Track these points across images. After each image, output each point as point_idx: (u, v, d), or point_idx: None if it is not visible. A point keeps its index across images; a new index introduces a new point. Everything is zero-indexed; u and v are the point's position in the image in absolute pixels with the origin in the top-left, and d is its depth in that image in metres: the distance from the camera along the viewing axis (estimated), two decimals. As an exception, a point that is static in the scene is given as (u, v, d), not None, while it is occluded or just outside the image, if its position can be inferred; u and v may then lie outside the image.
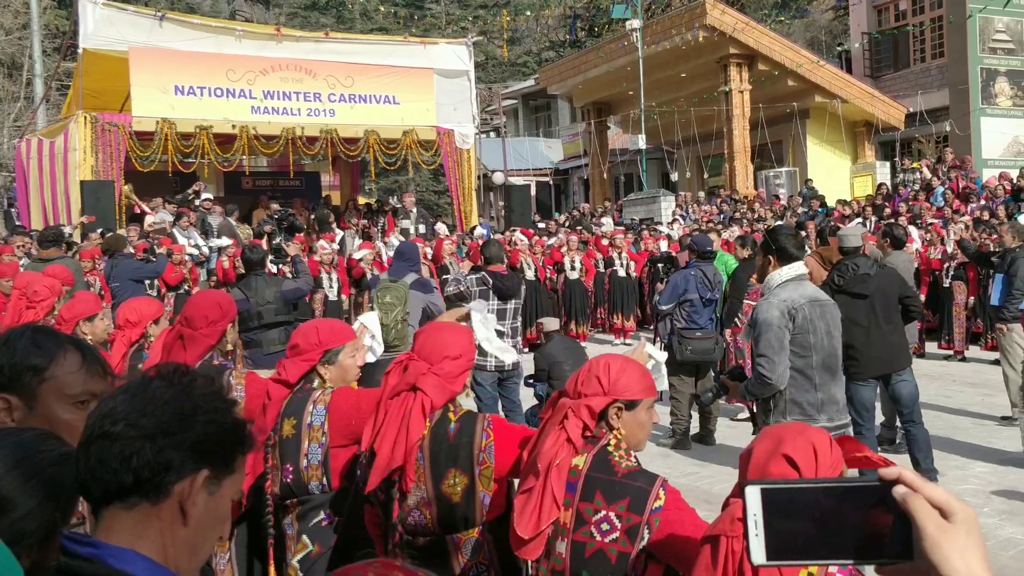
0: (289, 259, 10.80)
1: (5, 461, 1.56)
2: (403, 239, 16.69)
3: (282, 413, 3.45)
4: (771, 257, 4.96)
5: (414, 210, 19.20)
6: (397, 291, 6.99)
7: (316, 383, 3.51)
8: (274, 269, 11.32)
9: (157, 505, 1.37)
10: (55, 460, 1.60)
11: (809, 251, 10.87)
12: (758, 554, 1.07)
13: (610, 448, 2.61)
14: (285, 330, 8.43)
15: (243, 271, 11.60)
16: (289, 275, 10.10)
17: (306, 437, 3.37)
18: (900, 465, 1.10)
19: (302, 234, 16.79)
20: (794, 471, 2.02)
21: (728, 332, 9.35)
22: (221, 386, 1.48)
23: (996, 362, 12.37)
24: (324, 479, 3.34)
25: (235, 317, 4.25)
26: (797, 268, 4.92)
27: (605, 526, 2.52)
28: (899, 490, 1.04)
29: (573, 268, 16.11)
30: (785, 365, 4.83)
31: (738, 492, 2.09)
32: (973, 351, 13.07)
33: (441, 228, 18.87)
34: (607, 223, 19.94)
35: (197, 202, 17.00)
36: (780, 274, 4.94)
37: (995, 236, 11.53)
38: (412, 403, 2.95)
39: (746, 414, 9.55)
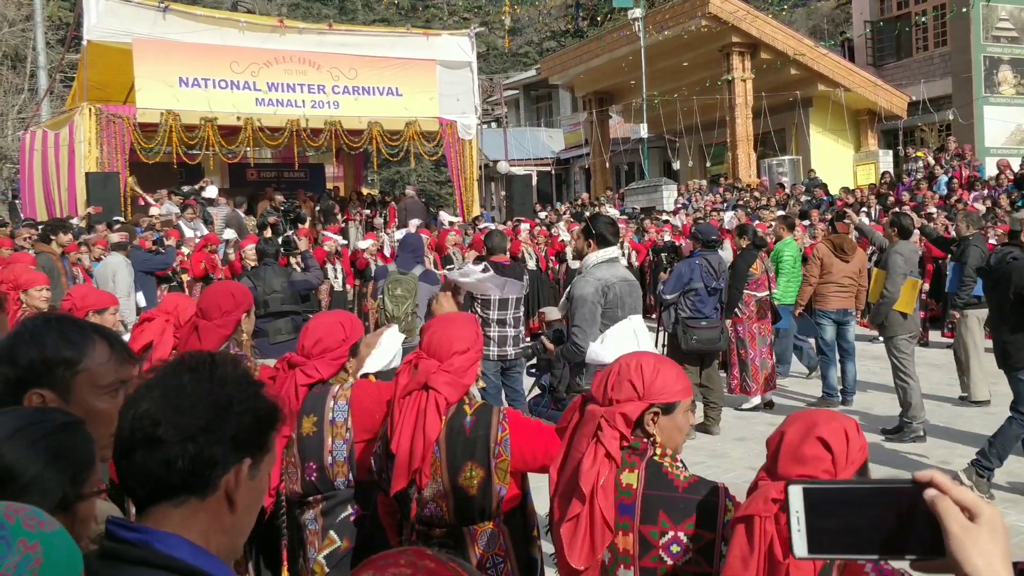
0: (299, 252, 10.88)
1: (3, 430, 1.54)
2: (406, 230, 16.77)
3: (300, 410, 3.40)
4: (591, 241, 5.56)
5: (403, 201, 19.28)
6: (407, 284, 7.06)
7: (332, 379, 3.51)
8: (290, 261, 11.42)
9: (205, 499, 1.39)
10: (57, 427, 1.59)
11: (810, 238, 10.92)
12: (800, 547, 1.16)
13: (657, 458, 2.44)
14: (292, 320, 8.50)
15: (249, 263, 11.68)
16: (298, 267, 10.19)
17: (329, 434, 3.32)
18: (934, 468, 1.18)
19: (305, 225, 16.84)
20: (827, 453, 2.04)
21: (728, 322, 9.40)
22: (247, 369, 1.48)
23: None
24: (350, 475, 3.30)
25: (250, 307, 4.25)
26: (610, 252, 5.55)
27: (675, 548, 2.33)
28: (929, 492, 1.12)
29: (575, 258, 16.12)
30: (596, 336, 5.08)
31: (765, 475, 2.15)
32: (976, 339, 13.09)
33: (445, 218, 18.89)
34: (612, 214, 19.94)
35: (200, 197, 17.04)
36: (596, 256, 5.51)
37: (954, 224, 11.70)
38: (426, 402, 2.95)
39: (751, 404, 9.62)
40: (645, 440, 2.45)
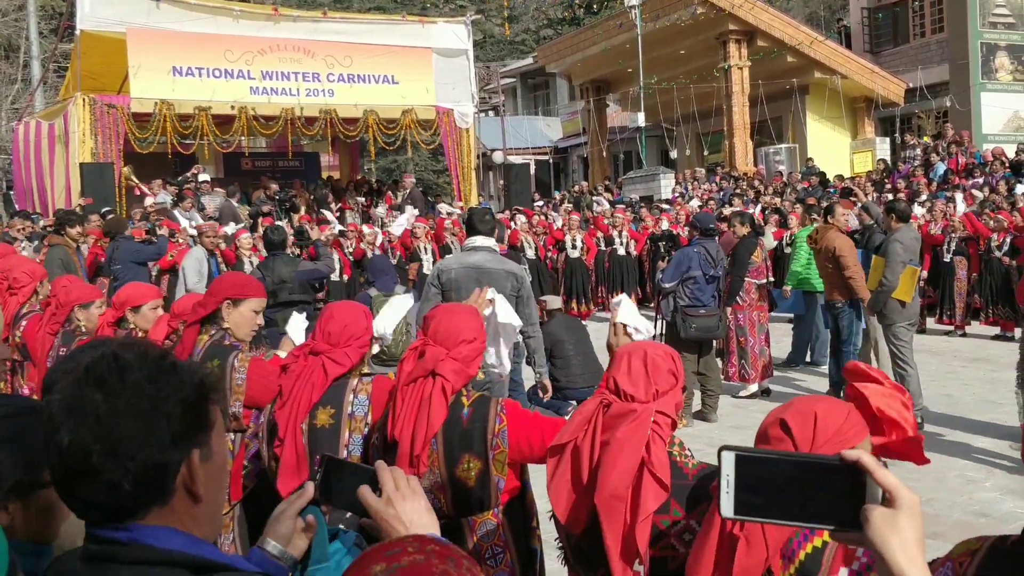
0: (311, 241, 10.96)
1: None
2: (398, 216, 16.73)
3: (318, 402, 3.31)
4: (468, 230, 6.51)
5: (409, 189, 19.21)
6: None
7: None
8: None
9: (167, 504, 1.32)
10: (12, 413, 1.55)
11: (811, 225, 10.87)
12: (727, 508, 1.22)
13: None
14: (301, 309, 8.49)
15: (244, 253, 11.66)
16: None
17: (347, 427, 3.26)
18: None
19: (300, 214, 16.82)
20: (786, 436, 2.03)
21: (728, 309, 9.37)
22: (159, 354, 1.36)
23: (997, 337, 12.46)
24: None
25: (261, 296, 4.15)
26: (474, 241, 6.31)
27: (687, 536, 2.32)
28: (856, 470, 1.18)
29: (574, 247, 16.12)
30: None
31: None
32: (974, 326, 13.10)
33: (443, 208, 18.86)
34: (603, 201, 19.89)
35: (195, 184, 16.99)
36: (466, 243, 6.44)
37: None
38: (431, 388, 2.91)
39: (748, 391, 9.60)
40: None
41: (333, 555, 1.73)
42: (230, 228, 13.22)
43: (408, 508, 1.56)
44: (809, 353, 11.27)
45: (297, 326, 4.49)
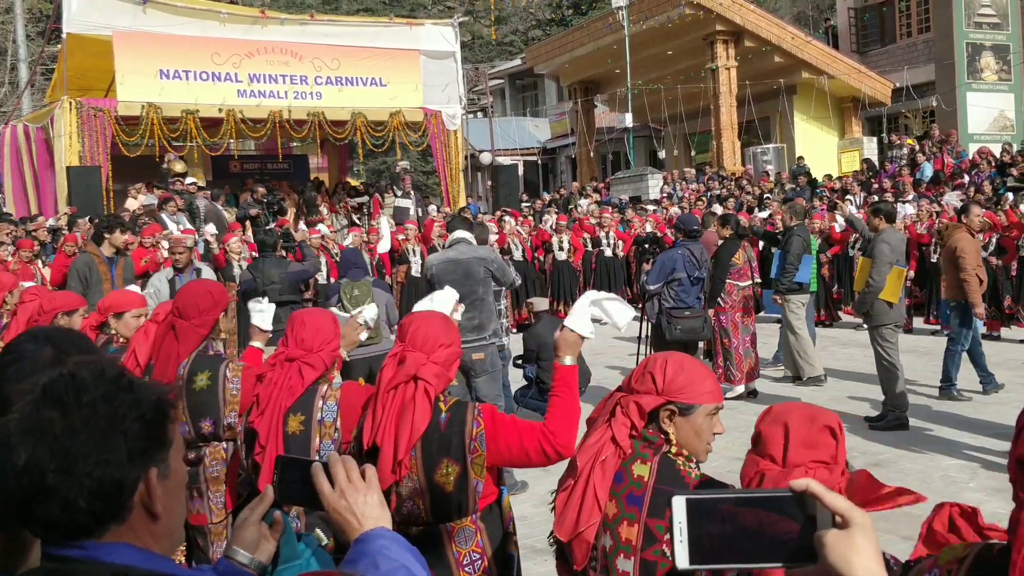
0: (296, 243, 10.99)
1: None
2: (392, 219, 16.71)
3: (289, 408, 3.35)
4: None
5: (412, 192, 19.26)
6: (363, 287, 7.53)
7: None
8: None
9: (125, 522, 1.32)
10: None
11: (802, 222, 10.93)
12: (682, 559, 1.19)
13: (671, 455, 2.43)
14: (291, 309, 8.50)
15: (233, 256, 11.64)
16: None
17: (317, 433, 3.31)
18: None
19: (287, 217, 16.77)
20: (833, 440, 2.09)
21: (711, 312, 9.40)
22: (116, 373, 1.36)
23: (984, 337, 12.47)
24: None
25: (227, 306, 4.22)
26: (454, 235, 7.24)
27: None
28: (807, 498, 1.17)
29: (561, 248, 16.14)
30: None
31: (769, 464, 2.25)
32: (960, 326, 13.13)
33: (432, 210, 18.88)
34: (585, 204, 19.88)
35: (181, 186, 16.91)
36: (448, 240, 7.33)
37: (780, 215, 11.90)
38: (414, 392, 2.93)
39: (735, 393, 9.62)
40: (662, 436, 2.44)
41: (301, 554, 1.75)
42: (209, 228, 13.13)
43: (360, 500, 1.58)
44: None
45: (263, 317, 4.49)
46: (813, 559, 1.15)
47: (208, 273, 8.68)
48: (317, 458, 3.25)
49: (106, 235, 9.39)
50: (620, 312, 2.97)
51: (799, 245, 9.95)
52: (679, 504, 1.19)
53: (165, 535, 1.38)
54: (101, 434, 1.28)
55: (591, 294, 3.00)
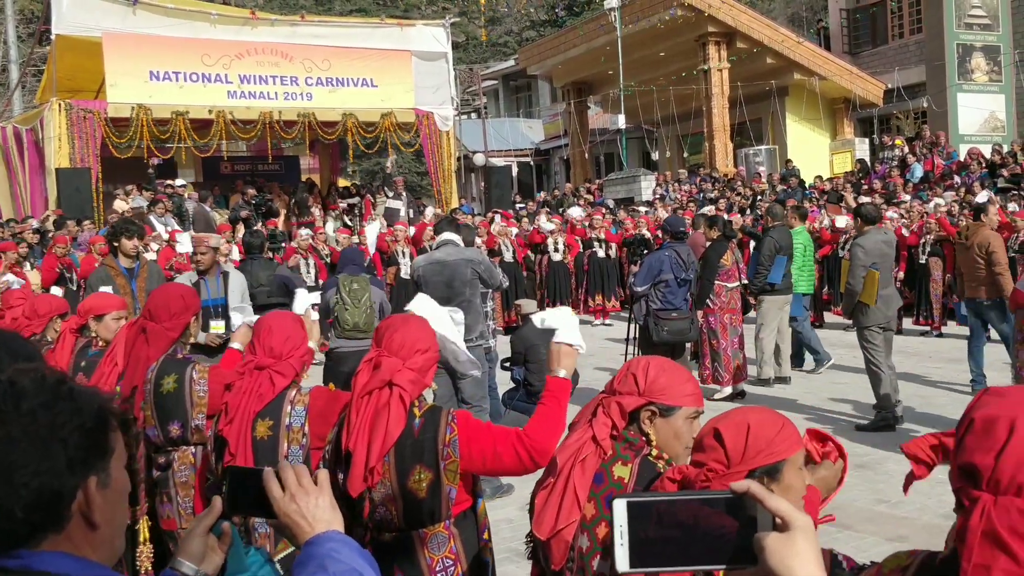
0: (281, 246, 10.98)
1: None
2: (384, 219, 16.68)
3: (258, 414, 3.34)
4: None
5: (404, 193, 19.24)
6: (361, 281, 7.43)
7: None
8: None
9: (63, 531, 1.30)
10: None
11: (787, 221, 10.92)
12: (623, 562, 1.17)
13: (652, 457, 2.45)
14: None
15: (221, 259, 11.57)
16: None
17: (285, 439, 3.30)
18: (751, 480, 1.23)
19: (278, 219, 16.75)
20: (719, 446, 2.04)
21: (699, 313, 9.40)
22: (56, 380, 1.33)
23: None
24: None
25: (198, 310, 4.21)
26: (441, 237, 7.29)
27: None
28: (747, 500, 1.16)
29: (556, 250, 16.13)
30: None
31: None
32: (950, 326, 13.17)
33: (428, 212, 18.85)
34: (574, 211, 19.81)
35: (170, 188, 16.88)
36: (436, 242, 7.44)
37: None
38: (389, 398, 2.91)
39: (722, 394, 9.62)
40: (643, 439, 2.46)
41: (250, 566, 1.73)
42: (181, 247, 12.23)
43: (311, 503, 1.57)
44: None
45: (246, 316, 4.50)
46: (754, 561, 1.14)
47: (236, 275, 8.13)
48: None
49: (114, 244, 8.57)
50: (567, 326, 3.01)
51: (770, 246, 9.92)
52: (619, 507, 1.18)
53: (104, 544, 1.36)
54: (40, 443, 1.27)
55: (562, 310, 3.05)
